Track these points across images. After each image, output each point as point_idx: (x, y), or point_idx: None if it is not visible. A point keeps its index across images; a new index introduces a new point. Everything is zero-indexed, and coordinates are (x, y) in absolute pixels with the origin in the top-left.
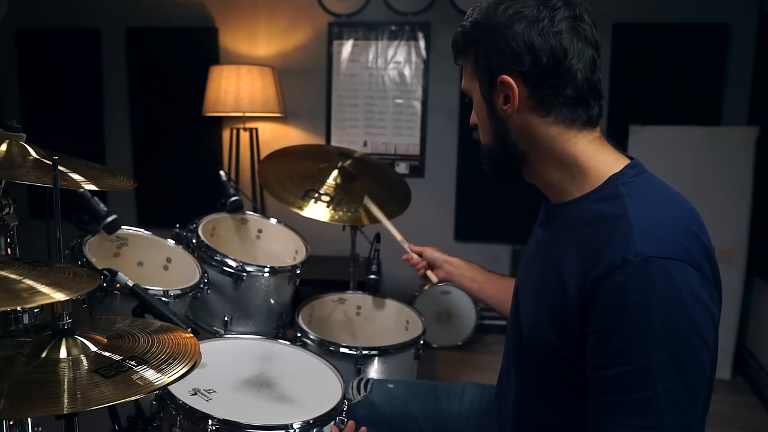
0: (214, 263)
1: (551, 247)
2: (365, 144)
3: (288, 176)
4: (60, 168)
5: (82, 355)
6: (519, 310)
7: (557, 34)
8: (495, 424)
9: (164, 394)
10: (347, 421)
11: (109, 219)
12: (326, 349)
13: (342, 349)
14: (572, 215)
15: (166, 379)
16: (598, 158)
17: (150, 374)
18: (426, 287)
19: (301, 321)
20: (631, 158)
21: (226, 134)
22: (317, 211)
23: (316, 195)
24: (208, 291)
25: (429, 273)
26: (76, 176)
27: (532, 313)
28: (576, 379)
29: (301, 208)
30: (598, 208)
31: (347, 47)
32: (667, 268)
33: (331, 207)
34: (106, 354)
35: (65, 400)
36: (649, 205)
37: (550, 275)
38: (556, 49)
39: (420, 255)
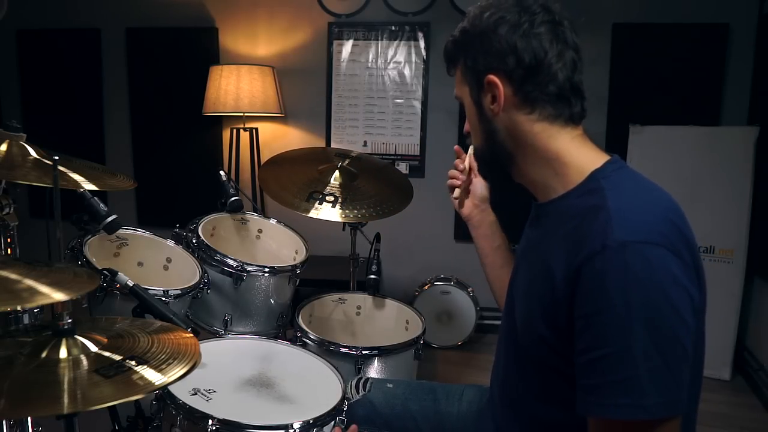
0: (214, 263)
1: (540, 243)
2: (365, 144)
3: (291, 181)
4: (60, 168)
5: (82, 355)
6: (512, 309)
7: (537, 36)
8: (491, 423)
9: (164, 394)
10: (349, 425)
11: (109, 219)
12: (326, 349)
13: (342, 349)
14: (558, 211)
15: (166, 379)
16: (580, 154)
17: (150, 374)
18: (426, 287)
19: (301, 321)
20: (610, 155)
21: (226, 134)
22: (325, 212)
23: (321, 196)
24: (208, 291)
25: (457, 194)
26: (76, 176)
27: (525, 310)
28: (569, 372)
29: (307, 211)
30: (581, 202)
31: (347, 47)
32: (643, 252)
33: (337, 207)
34: (106, 354)
35: (65, 400)
36: (628, 196)
37: (540, 271)
38: (537, 49)
39: (470, 182)
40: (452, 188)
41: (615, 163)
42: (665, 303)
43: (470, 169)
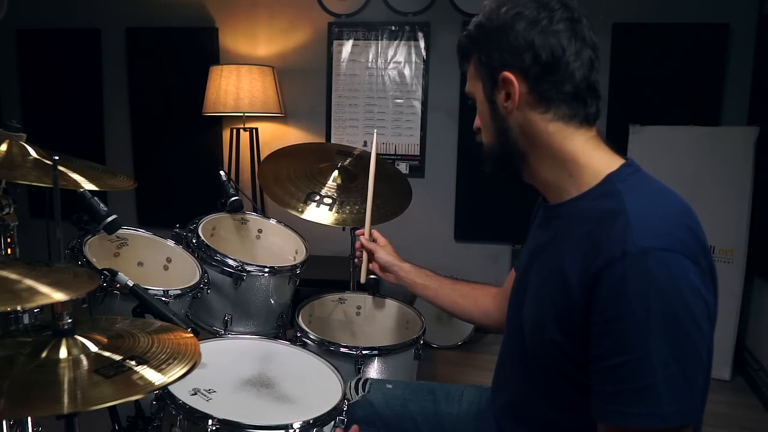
0: (214, 263)
1: (552, 246)
2: (365, 144)
3: (288, 179)
4: (60, 168)
5: (82, 355)
6: (519, 311)
7: (556, 33)
8: (493, 425)
9: (164, 394)
10: (348, 425)
11: (109, 219)
12: (326, 349)
13: (342, 349)
14: (572, 214)
15: (166, 379)
16: (595, 156)
17: (150, 374)
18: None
19: (301, 321)
20: (625, 158)
21: (226, 134)
22: (319, 213)
23: (318, 197)
24: (208, 291)
25: (364, 269)
26: (76, 176)
27: (534, 313)
28: (578, 377)
29: (302, 212)
30: (597, 205)
31: (347, 47)
32: (665, 260)
33: (332, 209)
34: (106, 354)
35: (65, 400)
36: (646, 201)
37: (552, 274)
38: (554, 46)
39: (372, 253)
40: (358, 263)
41: (631, 167)
42: (684, 311)
43: (372, 250)
